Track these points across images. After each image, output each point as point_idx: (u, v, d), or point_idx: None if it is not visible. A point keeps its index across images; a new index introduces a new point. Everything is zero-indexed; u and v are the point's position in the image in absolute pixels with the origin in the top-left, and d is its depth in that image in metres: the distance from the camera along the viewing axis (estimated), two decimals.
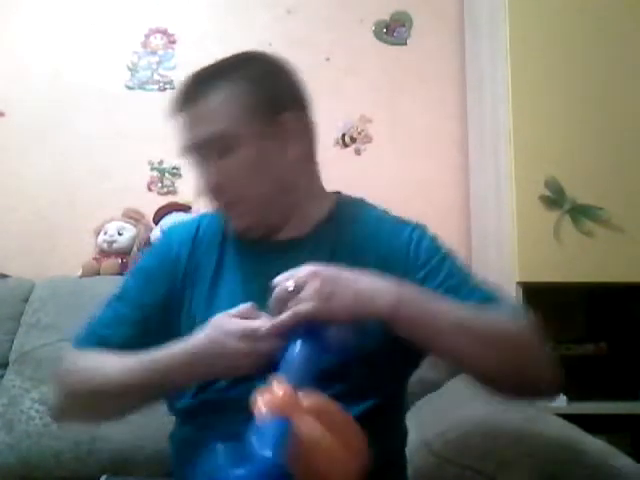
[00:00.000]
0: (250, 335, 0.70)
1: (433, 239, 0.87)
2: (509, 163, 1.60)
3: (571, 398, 1.55)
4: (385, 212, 0.92)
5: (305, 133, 0.87)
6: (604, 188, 1.57)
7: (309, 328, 0.67)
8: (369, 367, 0.78)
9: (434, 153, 2.03)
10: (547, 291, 1.60)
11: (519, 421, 1.04)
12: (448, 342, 0.71)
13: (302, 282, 0.68)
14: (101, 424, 0.95)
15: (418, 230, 0.87)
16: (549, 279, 1.56)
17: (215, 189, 0.83)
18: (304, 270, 0.69)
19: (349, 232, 0.87)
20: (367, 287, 0.69)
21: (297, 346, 0.65)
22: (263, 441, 0.52)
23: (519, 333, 0.75)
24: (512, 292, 1.56)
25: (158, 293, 0.88)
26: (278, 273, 0.81)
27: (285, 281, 0.69)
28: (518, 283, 1.56)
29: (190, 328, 0.79)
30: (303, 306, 0.67)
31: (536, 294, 1.56)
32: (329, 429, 0.56)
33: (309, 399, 0.57)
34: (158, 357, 0.76)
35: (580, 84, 1.61)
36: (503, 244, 1.66)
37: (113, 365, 0.80)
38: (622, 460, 0.84)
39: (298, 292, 0.68)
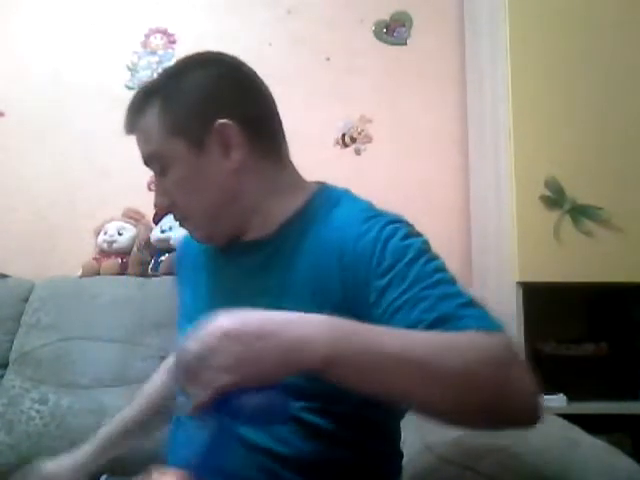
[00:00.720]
0: None
1: (404, 237, 0.74)
2: (509, 163, 1.60)
3: (571, 398, 1.56)
4: (365, 209, 0.82)
5: (254, 133, 0.82)
6: (604, 188, 1.57)
7: (222, 401, 0.56)
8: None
9: (434, 153, 2.03)
10: (547, 291, 1.60)
11: None
12: (396, 386, 0.59)
13: (212, 346, 0.56)
14: None
15: (388, 228, 0.75)
16: (549, 279, 1.56)
17: (163, 207, 0.85)
18: (213, 330, 0.57)
19: (314, 233, 0.79)
20: (292, 337, 0.57)
21: (208, 429, 0.57)
22: None
23: (485, 363, 0.60)
24: (512, 292, 1.56)
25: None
26: (236, 274, 0.84)
27: (191, 345, 0.58)
28: (518, 283, 1.56)
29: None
30: (220, 379, 0.55)
31: (536, 294, 1.56)
32: None
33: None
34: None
35: (580, 84, 1.61)
36: (503, 244, 1.66)
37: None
38: (622, 460, 0.84)
39: (207, 358, 0.56)
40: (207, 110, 0.80)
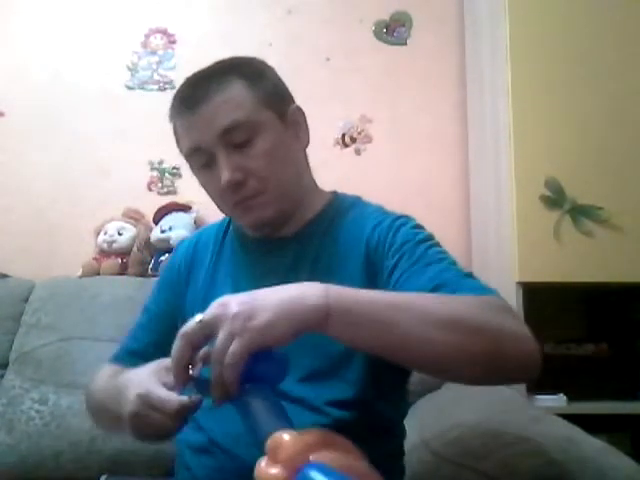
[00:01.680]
0: (159, 407, 0.65)
1: (414, 227, 0.83)
2: (509, 163, 1.60)
3: (571, 398, 1.56)
4: (378, 209, 0.90)
5: (307, 126, 0.90)
6: (604, 188, 1.57)
7: (248, 370, 0.56)
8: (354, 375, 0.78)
9: (434, 153, 2.03)
10: (547, 291, 1.61)
11: (519, 421, 1.04)
12: (394, 330, 0.60)
13: (212, 317, 0.58)
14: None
15: (401, 219, 0.84)
16: (549, 279, 1.56)
17: (237, 182, 0.81)
18: (217, 303, 0.59)
19: (335, 233, 0.86)
20: (292, 293, 0.60)
21: (251, 400, 0.56)
22: None
23: (482, 308, 0.64)
24: (512, 292, 1.56)
25: (165, 301, 0.96)
26: (263, 272, 0.85)
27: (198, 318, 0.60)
28: (518, 283, 1.56)
29: None
30: (234, 346, 0.56)
31: (536, 294, 1.56)
32: (342, 451, 0.52)
33: (310, 435, 0.51)
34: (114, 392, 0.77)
35: (580, 84, 1.61)
36: (503, 244, 1.66)
37: (103, 380, 0.88)
38: (622, 460, 0.84)
39: (211, 331, 0.58)
40: (285, 92, 0.89)
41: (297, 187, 0.87)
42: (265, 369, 0.58)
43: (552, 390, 1.56)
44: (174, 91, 0.89)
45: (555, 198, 1.57)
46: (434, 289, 0.70)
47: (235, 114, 0.81)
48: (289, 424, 0.54)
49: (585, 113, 1.60)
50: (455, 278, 0.73)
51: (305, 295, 0.59)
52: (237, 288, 0.85)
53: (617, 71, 1.61)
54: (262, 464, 0.49)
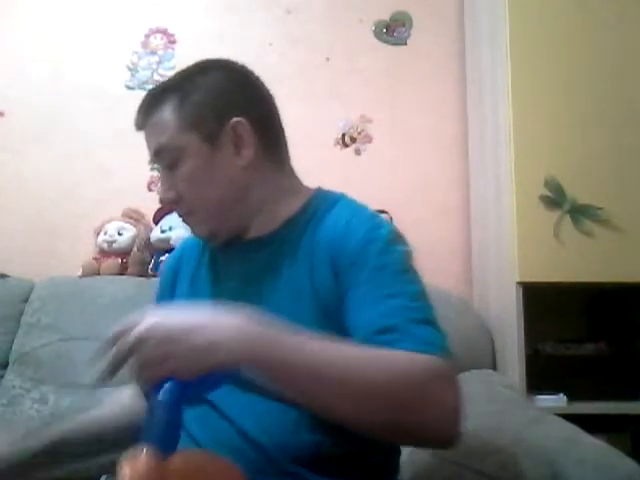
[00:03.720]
0: None
1: (387, 243, 0.78)
2: (509, 163, 1.60)
3: (571, 398, 1.56)
4: (358, 210, 0.85)
5: (262, 134, 0.85)
6: (604, 188, 1.57)
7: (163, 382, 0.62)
8: None
9: (434, 153, 2.03)
10: (547, 291, 1.60)
11: (519, 421, 1.04)
12: (305, 392, 0.65)
13: (140, 338, 0.63)
14: None
15: (374, 232, 0.78)
16: (549, 279, 1.56)
17: (169, 201, 0.86)
18: (142, 326, 0.63)
19: (311, 233, 0.82)
20: (204, 341, 0.62)
21: (156, 407, 0.60)
22: None
23: (396, 382, 0.64)
24: (512, 292, 1.56)
25: None
26: (240, 273, 0.85)
27: (125, 331, 0.64)
28: (518, 283, 1.56)
29: None
30: (150, 370, 0.62)
31: (536, 294, 1.56)
32: None
33: (176, 461, 0.57)
34: None
35: (580, 84, 1.61)
36: (503, 244, 1.66)
37: None
38: (622, 460, 0.84)
39: (134, 349, 0.63)
40: (223, 107, 0.84)
41: (235, 204, 0.84)
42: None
43: (552, 390, 1.56)
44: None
45: (555, 198, 1.57)
46: (380, 331, 0.70)
47: (160, 138, 0.84)
48: (163, 444, 0.57)
49: (585, 113, 1.60)
50: (405, 325, 0.70)
51: (219, 347, 0.62)
52: (216, 292, 0.87)
53: (617, 71, 1.61)
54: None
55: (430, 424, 0.65)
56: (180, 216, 0.88)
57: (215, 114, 0.83)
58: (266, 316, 0.66)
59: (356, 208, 0.85)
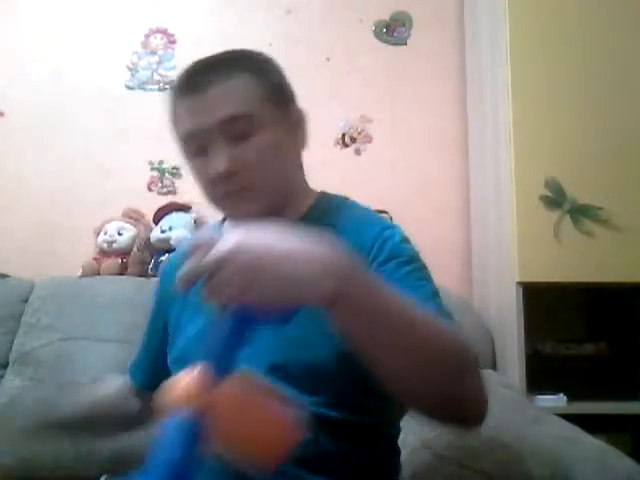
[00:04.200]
0: None
1: (401, 241, 0.81)
2: (509, 163, 1.60)
3: (571, 398, 1.56)
4: (366, 213, 0.88)
5: (307, 129, 0.88)
6: (604, 188, 1.57)
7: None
8: (337, 379, 0.76)
9: (434, 153, 2.03)
10: (547, 291, 1.60)
11: (519, 421, 1.04)
12: (390, 344, 0.61)
13: (223, 259, 0.55)
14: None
15: (388, 230, 0.81)
16: (549, 279, 1.56)
17: (230, 173, 0.79)
18: (227, 243, 0.55)
19: (320, 231, 0.83)
20: (298, 271, 0.55)
21: (220, 325, 0.56)
22: (168, 442, 0.51)
23: (463, 351, 0.66)
24: (512, 292, 1.56)
25: (157, 331, 0.96)
26: None
27: (206, 246, 0.56)
28: (518, 283, 1.56)
29: (172, 347, 0.88)
30: (219, 294, 0.55)
31: (536, 294, 1.56)
32: (244, 416, 0.53)
33: (231, 385, 0.53)
34: None
35: (580, 84, 1.61)
36: (503, 244, 1.66)
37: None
38: (622, 460, 0.84)
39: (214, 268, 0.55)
40: (290, 92, 0.88)
41: (286, 187, 0.85)
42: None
43: (552, 390, 1.56)
44: (180, 77, 0.87)
45: (555, 198, 1.57)
46: None
47: (239, 105, 0.79)
48: (225, 365, 0.54)
49: (585, 113, 1.60)
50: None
51: (311, 281, 0.55)
52: None
53: (617, 71, 1.61)
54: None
55: (472, 399, 0.67)
56: (224, 194, 0.82)
57: (289, 97, 0.87)
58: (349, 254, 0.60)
59: (364, 210, 0.88)
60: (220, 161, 0.78)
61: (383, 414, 0.84)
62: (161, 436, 0.51)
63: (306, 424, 0.54)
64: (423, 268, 0.80)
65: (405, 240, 0.81)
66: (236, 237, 0.56)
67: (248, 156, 0.79)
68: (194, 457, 0.51)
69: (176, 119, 0.84)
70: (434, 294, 0.77)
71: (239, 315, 0.56)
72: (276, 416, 0.54)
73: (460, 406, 0.66)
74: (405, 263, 0.77)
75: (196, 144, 0.81)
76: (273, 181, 0.82)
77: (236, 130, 0.79)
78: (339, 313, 0.58)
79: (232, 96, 0.80)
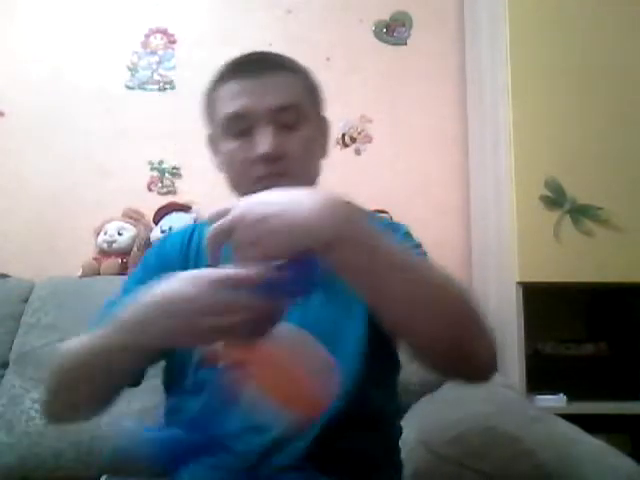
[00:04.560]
0: (224, 282, 0.60)
1: (406, 234, 0.91)
2: (509, 163, 1.60)
3: (571, 398, 1.56)
4: (371, 212, 0.95)
5: (330, 135, 0.95)
6: (604, 188, 1.57)
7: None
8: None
9: (434, 153, 2.03)
10: (547, 291, 1.60)
11: (519, 421, 1.04)
12: (386, 284, 0.63)
13: (235, 219, 0.61)
14: (87, 417, 0.86)
15: (394, 224, 0.92)
16: (549, 279, 1.56)
17: (274, 157, 0.82)
18: (238, 208, 0.62)
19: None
20: (301, 216, 0.60)
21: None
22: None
23: (467, 301, 0.68)
24: (512, 292, 1.56)
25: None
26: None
27: (222, 214, 0.62)
28: (518, 283, 1.56)
29: None
30: (250, 252, 0.60)
31: (536, 294, 1.56)
32: (279, 380, 0.54)
33: (264, 349, 0.55)
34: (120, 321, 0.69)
35: (580, 84, 1.61)
36: (503, 244, 1.66)
37: (80, 341, 0.76)
38: (622, 460, 0.84)
39: (231, 229, 0.61)
40: (323, 98, 0.94)
41: (314, 183, 0.89)
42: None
43: (552, 390, 1.56)
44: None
45: (555, 198, 1.57)
46: None
47: (291, 96, 0.85)
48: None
49: (585, 113, 1.60)
50: None
51: (309, 227, 0.60)
52: None
53: (617, 71, 1.61)
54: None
55: (480, 348, 0.69)
56: (263, 176, 0.83)
57: (322, 104, 0.93)
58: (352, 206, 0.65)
59: (369, 211, 0.95)
60: (267, 143, 0.82)
61: (388, 406, 0.85)
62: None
63: (340, 389, 0.56)
64: (427, 257, 0.87)
65: (410, 234, 0.90)
66: (244, 202, 0.62)
67: (292, 145, 0.84)
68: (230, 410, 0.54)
69: (222, 99, 0.87)
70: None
71: (271, 285, 0.58)
72: (310, 378, 0.55)
73: (468, 354, 0.68)
74: (412, 248, 0.84)
75: (241, 125, 0.84)
76: (308, 174, 0.88)
77: (285, 119, 0.84)
78: (341, 255, 0.60)
79: (285, 87, 0.85)
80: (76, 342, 0.77)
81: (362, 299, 0.67)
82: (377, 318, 0.67)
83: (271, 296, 0.59)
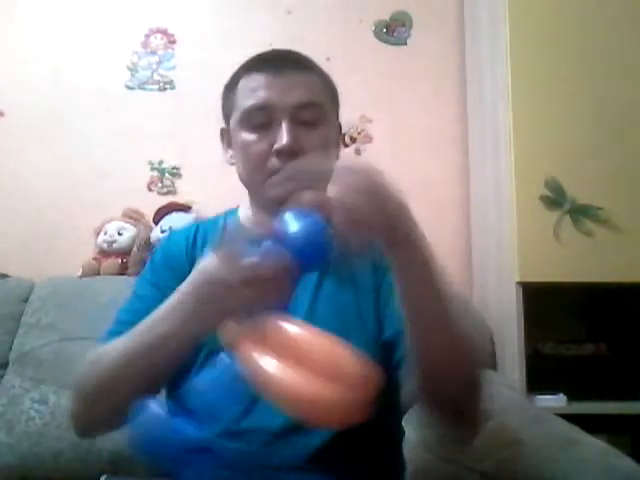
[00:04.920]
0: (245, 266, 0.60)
1: None
2: (509, 163, 1.60)
3: (571, 398, 1.56)
4: None
5: (340, 140, 0.99)
6: (604, 188, 1.57)
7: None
8: None
9: (434, 153, 2.03)
10: (547, 291, 1.60)
11: (519, 421, 1.04)
12: (430, 313, 0.68)
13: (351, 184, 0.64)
14: (120, 424, 0.84)
15: None
16: (549, 279, 1.56)
17: (292, 151, 0.82)
18: (347, 175, 0.65)
19: None
20: (395, 202, 0.69)
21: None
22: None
23: (480, 361, 0.74)
24: (512, 292, 1.56)
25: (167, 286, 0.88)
26: None
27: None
28: (518, 283, 1.56)
29: None
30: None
31: (536, 294, 1.56)
32: (296, 365, 0.49)
33: (277, 332, 0.52)
34: (158, 316, 0.70)
35: (580, 84, 1.61)
36: (503, 244, 1.66)
37: (115, 344, 0.75)
38: (622, 460, 0.84)
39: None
40: (339, 103, 0.97)
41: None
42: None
43: (552, 390, 1.56)
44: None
45: (555, 198, 1.57)
46: None
47: (315, 94, 0.87)
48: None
49: (585, 113, 1.60)
50: None
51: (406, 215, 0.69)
52: None
53: (617, 71, 1.61)
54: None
55: (475, 407, 0.71)
56: (279, 170, 0.83)
57: (338, 108, 0.96)
58: None
59: None
60: (286, 137, 0.82)
61: (392, 410, 0.86)
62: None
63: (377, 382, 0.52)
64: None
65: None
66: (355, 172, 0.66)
67: (310, 142, 0.84)
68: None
69: (244, 91, 0.87)
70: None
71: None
72: (353, 353, 0.51)
73: (464, 408, 0.71)
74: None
75: (261, 118, 0.85)
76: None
77: (305, 116, 0.85)
78: (402, 254, 0.67)
79: (309, 85, 0.87)
80: (107, 347, 0.77)
81: (401, 301, 0.69)
82: (406, 327, 0.70)
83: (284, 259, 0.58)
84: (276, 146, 0.82)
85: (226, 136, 0.93)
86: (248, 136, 0.86)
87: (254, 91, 0.85)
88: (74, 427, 0.80)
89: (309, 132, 0.84)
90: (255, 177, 0.86)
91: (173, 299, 0.69)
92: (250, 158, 0.86)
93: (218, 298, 0.62)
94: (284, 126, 0.83)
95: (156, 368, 0.71)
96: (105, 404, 0.75)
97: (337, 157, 0.92)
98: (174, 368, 0.73)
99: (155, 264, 0.96)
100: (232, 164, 0.91)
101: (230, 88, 0.90)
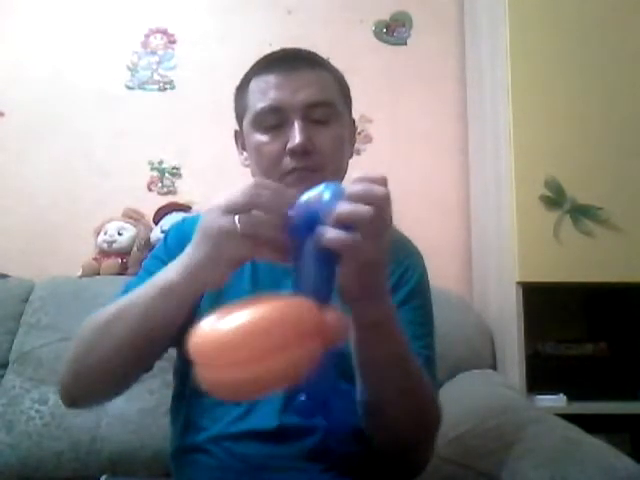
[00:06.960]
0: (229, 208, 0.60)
1: (423, 273, 0.93)
2: (509, 163, 1.60)
3: (571, 398, 1.56)
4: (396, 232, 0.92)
5: (355, 138, 0.97)
6: (604, 188, 1.57)
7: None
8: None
9: (434, 153, 2.03)
10: (547, 291, 1.60)
11: (519, 421, 1.04)
12: (390, 366, 0.68)
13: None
14: (114, 394, 0.81)
15: (420, 258, 0.95)
16: (549, 279, 1.56)
17: (305, 151, 0.82)
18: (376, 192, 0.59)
19: None
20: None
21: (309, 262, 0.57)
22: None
23: (433, 408, 0.77)
24: (512, 292, 1.56)
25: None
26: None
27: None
28: (518, 283, 1.56)
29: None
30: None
31: (536, 294, 1.56)
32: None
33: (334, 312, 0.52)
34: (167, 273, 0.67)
35: (580, 84, 1.61)
36: (503, 244, 1.66)
37: (114, 304, 0.73)
38: (622, 460, 0.84)
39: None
40: (351, 101, 0.96)
41: (342, 180, 0.88)
42: None
43: (552, 390, 1.56)
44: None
45: (555, 198, 1.57)
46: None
47: (326, 93, 0.86)
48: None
49: (585, 113, 1.60)
50: (424, 366, 0.78)
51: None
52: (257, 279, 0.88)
53: (617, 70, 1.61)
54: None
55: (425, 455, 0.80)
56: (294, 170, 0.84)
57: (351, 106, 0.95)
58: None
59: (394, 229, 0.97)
60: (299, 136, 0.82)
61: None
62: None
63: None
64: (429, 301, 0.92)
65: (425, 273, 0.94)
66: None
67: (325, 140, 0.84)
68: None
69: (256, 92, 0.87)
70: (430, 334, 0.89)
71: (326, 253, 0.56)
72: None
73: (415, 452, 0.78)
74: (420, 295, 0.89)
75: (274, 118, 0.84)
76: (338, 170, 0.87)
77: (317, 115, 0.85)
78: (370, 309, 0.63)
79: (320, 83, 0.86)
80: (107, 307, 0.74)
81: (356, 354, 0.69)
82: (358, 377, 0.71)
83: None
84: (289, 146, 0.82)
85: (240, 138, 0.93)
86: (261, 137, 0.85)
87: (265, 92, 0.85)
88: (63, 394, 0.78)
89: (322, 130, 0.84)
90: (269, 178, 0.84)
91: (174, 261, 0.66)
92: (264, 159, 0.85)
93: (217, 244, 0.59)
94: (296, 125, 0.82)
95: (153, 321, 0.68)
96: (98, 359, 0.72)
97: (351, 154, 0.93)
98: (171, 329, 0.69)
99: (168, 244, 0.94)
100: (247, 166, 0.91)
101: (241, 90, 0.90)
